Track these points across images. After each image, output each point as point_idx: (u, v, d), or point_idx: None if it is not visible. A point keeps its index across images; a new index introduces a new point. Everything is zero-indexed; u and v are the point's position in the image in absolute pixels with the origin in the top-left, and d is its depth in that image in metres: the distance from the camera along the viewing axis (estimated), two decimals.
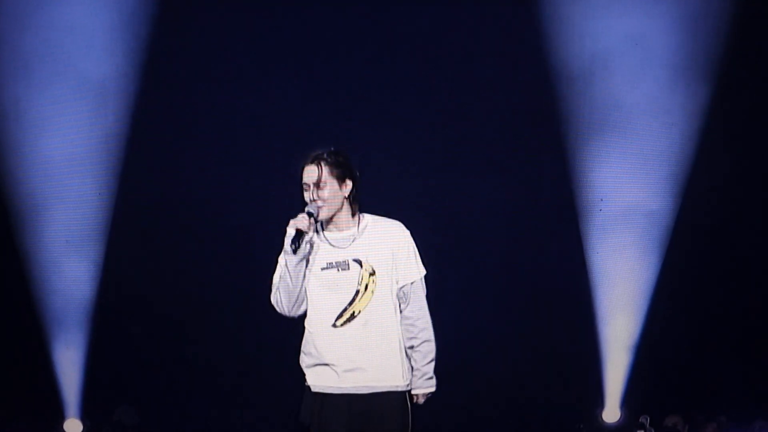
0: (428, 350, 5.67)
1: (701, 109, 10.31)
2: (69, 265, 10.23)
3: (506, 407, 10.46)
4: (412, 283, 5.70)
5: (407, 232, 5.72)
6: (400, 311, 5.68)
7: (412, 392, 5.68)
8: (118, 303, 10.39)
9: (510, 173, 10.57)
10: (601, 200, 10.32)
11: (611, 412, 10.40)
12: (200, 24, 10.37)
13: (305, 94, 10.37)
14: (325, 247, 5.63)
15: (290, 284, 5.57)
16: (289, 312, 5.62)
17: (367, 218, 5.70)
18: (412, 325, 5.66)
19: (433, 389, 5.72)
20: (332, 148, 5.67)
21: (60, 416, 10.26)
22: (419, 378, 5.68)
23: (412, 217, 5.85)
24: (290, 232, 5.55)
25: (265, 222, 10.03)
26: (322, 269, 5.59)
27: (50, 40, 10.08)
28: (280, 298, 5.60)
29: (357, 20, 10.41)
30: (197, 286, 10.47)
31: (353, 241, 5.62)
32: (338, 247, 5.62)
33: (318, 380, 5.64)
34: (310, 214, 5.53)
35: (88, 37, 10.08)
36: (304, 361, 5.70)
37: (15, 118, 10.14)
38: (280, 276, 5.59)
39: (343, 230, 5.65)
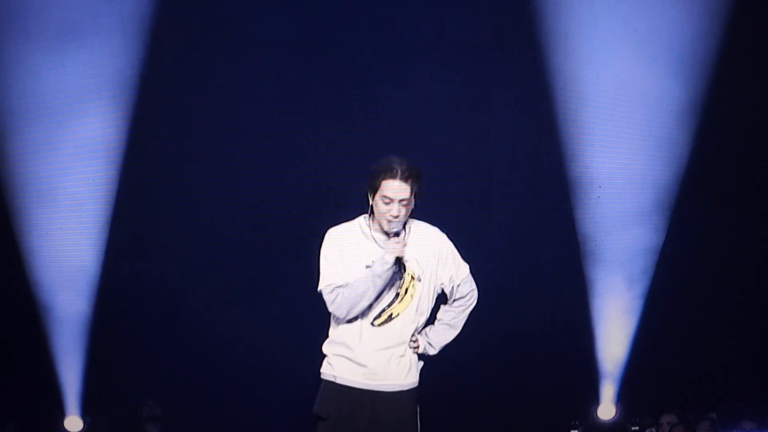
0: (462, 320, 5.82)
1: (700, 95, 10.29)
2: (70, 262, 10.26)
3: (501, 404, 10.45)
4: (467, 274, 5.81)
5: (444, 236, 5.76)
6: (456, 300, 5.78)
7: (421, 339, 5.69)
8: (120, 300, 10.39)
9: (504, 163, 10.57)
10: (600, 187, 10.32)
11: (606, 409, 10.44)
12: (203, 20, 10.37)
13: (307, 95, 10.39)
14: (370, 246, 5.58)
15: (369, 298, 5.50)
16: (348, 317, 5.53)
17: (410, 223, 5.67)
18: (467, 302, 5.81)
19: (431, 353, 5.76)
20: (410, 162, 5.57)
21: (60, 413, 10.27)
22: (434, 334, 5.73)
23: None
24: (388, 259, 5.46)
25: (268, 217, 10.07)
26: (367, 267, 5.54)
27: (52, 38, 10.13)
28: (350, 306, 5.47)
29: (363, 17, 10.43)
30: (198, 283, 10.46)
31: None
32: (385, 249, 5.58)
33: (346, 373, 5.57)
34: (396, 234, 5.51)
35: (91, 34, 10.12)
36: (333, 351, 5.61)
37: (16, 113, 10.18)
38: (358, 289, 5.47)
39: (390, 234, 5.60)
